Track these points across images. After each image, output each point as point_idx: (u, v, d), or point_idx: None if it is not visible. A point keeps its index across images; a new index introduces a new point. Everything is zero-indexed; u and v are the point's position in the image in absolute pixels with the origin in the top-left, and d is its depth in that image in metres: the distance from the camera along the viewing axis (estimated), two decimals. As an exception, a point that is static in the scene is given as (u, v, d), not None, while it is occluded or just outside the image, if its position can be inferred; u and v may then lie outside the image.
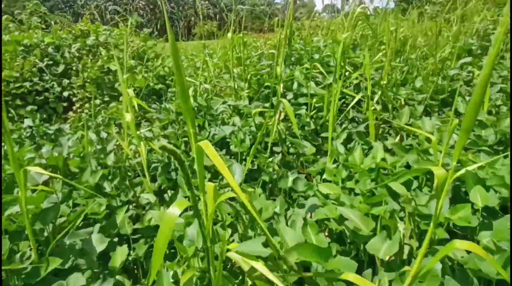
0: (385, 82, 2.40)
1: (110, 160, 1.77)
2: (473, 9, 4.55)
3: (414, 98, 2.41)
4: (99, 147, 1.91)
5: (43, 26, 3.71)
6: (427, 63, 3.21)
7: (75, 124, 2.90)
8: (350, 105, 2.10)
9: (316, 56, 2.78)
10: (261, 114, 2.31)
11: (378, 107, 2.08)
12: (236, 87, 2.93)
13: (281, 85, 2.28)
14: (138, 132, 1.94)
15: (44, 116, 3.01)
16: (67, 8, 55.51)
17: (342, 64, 2.47)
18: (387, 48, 2.48)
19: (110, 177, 1.59)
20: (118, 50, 3.16)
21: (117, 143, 1.90)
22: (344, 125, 2.16)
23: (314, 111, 2.30)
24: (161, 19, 53.59)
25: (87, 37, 3.30)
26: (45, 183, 1.46)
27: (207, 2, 62.78)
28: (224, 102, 2.63)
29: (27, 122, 2.41)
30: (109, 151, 1.83)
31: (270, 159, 1.74)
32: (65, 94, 3.10)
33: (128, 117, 1.63)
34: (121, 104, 3.04)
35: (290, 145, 1.88)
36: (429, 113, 2.50)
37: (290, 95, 2.48)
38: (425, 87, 2.59)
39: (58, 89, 3.09)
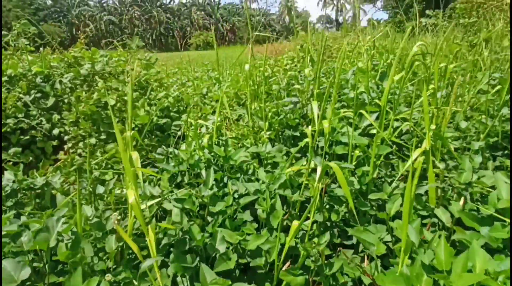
0: (434, 127, 2.04)
1: (110, 244, 1.36)
2: (499, 32, 4.25)
3: (470, 146, 2.05)
4: (96, 220, 1.51)
5: (32, 49, 3.31)
6: (464, 97, 2.87)
7: (67, 169, 2.49)
8: (408, 164, 1.71)
9: (350, 94, 2.41)
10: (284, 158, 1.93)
11: (441, 165, 1.70)
12: (253, 126, 2.55)
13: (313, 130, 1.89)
14: (141, 190, 1.54)
15: (31, 158, 2.59)
16: (61, 18, 55.24)
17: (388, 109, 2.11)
18: (436, 86, 2.12)
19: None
20: (116, 81, 2.78)
21: (118, 217, 1.50)
22: (393, 184, 1.77)
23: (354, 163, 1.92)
24: (157, 30, 53.54)
25: (81, 65, 2.91)
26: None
27: (203, 12, 63.03)
28: (243, 147, 2.24)
29: (8, 175, 1.99)
30: (109, 231, 1.42)
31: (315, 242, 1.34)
32: (55, 131, 2.69)
33: (132, 197, 1.23)
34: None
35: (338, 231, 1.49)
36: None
37: (322, 143, 2.11)
38: (469, 128, 2.24)
39: (47, 126, 2.68)
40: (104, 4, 56.00)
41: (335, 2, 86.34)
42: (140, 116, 2.67)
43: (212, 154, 2.07)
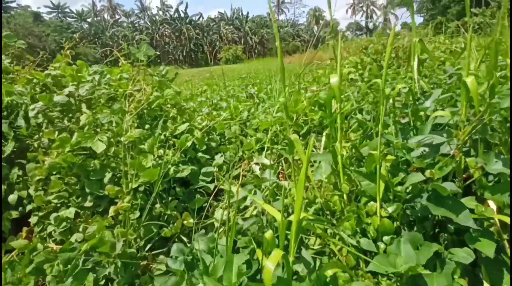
0: None
1: None
2: None
3: None
4: None
5: (15, 69, 2.33)
6: None
7: (24, 271, 1.45)
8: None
9: None
10: None
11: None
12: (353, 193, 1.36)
13: None
14: None
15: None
16: (96, 39, 57.75)
17: None
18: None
19: None
20: (109, 112, 1.71)
21: None
22: None
23: None
24: (187, 46, 54.35)
25: (61, 87, 1.88)
26: None
27: (231, 26, 63.46)
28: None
29: None
30: None
31: None
32: (13, 197, 1.64)
33: None
34: (109, 219, 1.54)
35: None
36: None
37: None
38: None
39: (2, 187, 1.64)
40: (136, 25, 57.92)
41: (364, 8, 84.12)
42: (146, 171, 1.56)
43: None
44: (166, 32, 53.49)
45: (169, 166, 1.76)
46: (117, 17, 66.10)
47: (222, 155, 2.15)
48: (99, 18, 64.77)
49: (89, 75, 2.02)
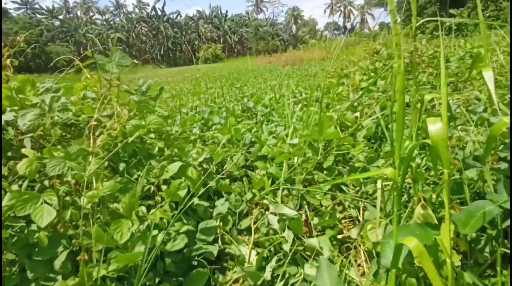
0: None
1: None
2: None
3: None
4: None
5: None
6: None
7: None
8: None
9: None
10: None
11: None
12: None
13: None
14: None
15: None
16: (69, 38, 55.07)
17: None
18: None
19: None
20: (62, 155, 1.14)
21: None
22: None
23: None
24: (165, 45, 52.77)
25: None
26: None
27: (210, 25, 62.24)
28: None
29: None
30: None
31: None
32: None
33: None
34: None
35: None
36: None
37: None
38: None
39: None
40: (111, 22, 55.68)
41: (342, 8, 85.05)
42: (122, 256, 1.01)
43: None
44: (143, 31, 51.73)
45: (156, 232, 1.21)
46: (91, 14, 63.40)
47: (225, 200, 1.60)
48: (71, 15, 61.90)
49: (37, 95, 1.41)
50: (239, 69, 21.19)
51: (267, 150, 1.83)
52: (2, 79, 1.48)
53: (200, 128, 2.61)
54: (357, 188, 1.64)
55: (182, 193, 1.31)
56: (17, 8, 57.96)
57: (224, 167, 2.01)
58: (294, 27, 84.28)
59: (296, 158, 1.73)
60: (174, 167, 1.40)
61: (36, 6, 58.43)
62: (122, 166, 1.44)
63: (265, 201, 1.63)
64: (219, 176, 1.67)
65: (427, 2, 32.51)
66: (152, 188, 1.34)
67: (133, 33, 49.93)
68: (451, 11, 27.34)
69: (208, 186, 1.55)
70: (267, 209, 1.61)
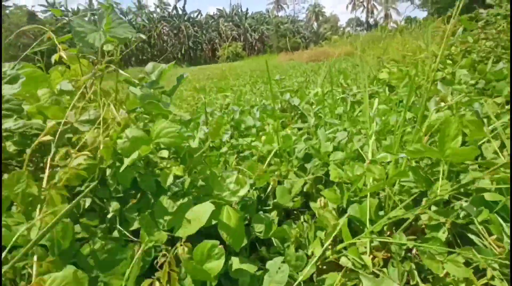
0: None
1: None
2: None
3: None
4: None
5: None
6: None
7: None
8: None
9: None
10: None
11: None
12: None
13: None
14: None
15: None
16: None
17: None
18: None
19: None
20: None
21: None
22: None
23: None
24: (185, 44, 52.71)
25: None
26: None
27: (230, 23, 61.71)
28: None
29: None
30: None
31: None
32: None
33: None
34: None
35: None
36: None
37: None
38: None
39: None
40: (133, 22, 56.28)
41: (364, 4, 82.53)
42: None
43: None
44: (164, 30, 51.96)
45: None
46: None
47: (282, 259, 0.98)
48: (96, 17, 63.00)
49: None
50: (260, 66, 20.49)
51: (338, 174, 1.18)
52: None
53: (231, 134, 2.00)
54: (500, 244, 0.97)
55: (215, 266, 0.70)
56: (44, 11, 59.75)
57: (267, 191, 1.39)
58: (315, 24, 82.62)
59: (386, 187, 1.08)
60: (202, 212, 0.79)
61: (62, 8, 60.01)
62: (113, 207, 0.85)
63: (343, 260, 1.00)
64: (269, 216, 1.05)
65: (458, -7, 30.55)
66: (161, 259, 0.73)
67: (155, 33, 50.28)
68: (488, 0, 25.52)
69: (252, 236, 0.93)
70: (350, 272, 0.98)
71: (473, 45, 2.45)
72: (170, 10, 53.55)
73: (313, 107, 2.37)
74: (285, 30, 57.81)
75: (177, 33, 52.20)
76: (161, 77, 1.07)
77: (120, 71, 0.95)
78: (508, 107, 1.79)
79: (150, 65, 1.11)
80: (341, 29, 79.43)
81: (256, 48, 61.67)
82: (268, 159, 1.30)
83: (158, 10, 54.00)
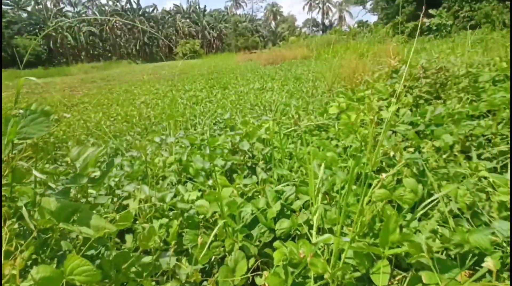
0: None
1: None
2: None
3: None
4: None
5: None
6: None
7: None
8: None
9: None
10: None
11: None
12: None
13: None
14: None
15: None
16: (37, 31, 51.75)
17: None
18: None
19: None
20: None
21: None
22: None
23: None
24: (140, 39, 50.57)
25: None
26: None
27: (188, 20, 60.31)
28: None
29: None
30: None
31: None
32: None
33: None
34: None
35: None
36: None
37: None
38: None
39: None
40: (83, 15, 52.77)
41: (320, 5, 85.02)
42: None
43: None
44: (117, 24, 49.37)
45: None
46: (62, 6, 59.90)
47: None
48: (40, 6, 58.26)
49: None
50: (219, 67, 20.14)
51: (282, 255, 1.15)
52: None
53: (177, 180, 1.90)
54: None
55: None
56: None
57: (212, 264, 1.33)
58: (273, 23, 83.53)
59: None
60: None
61: None
62: None
63: None
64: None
65: (405, 1, 32.53)
66: None
67: (107, 27, 47.60)
68: (430, 11, 27.40)
69: None
70: None
71: (415, 82, 2.57)
72: (123, 4, 51.01)
73: (265, 146, 2.34)
74: (244, 29, 57.77)
75: (132, 27, 49.91)
76: (89, 165, 0.95)
77: (35, 172, 0.81)
78: (447, 155, 1.89)
79: (75, 151, 0.97)
80: (298, 29, 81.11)
81: (214, 46, 60.96)
82: (213, 233, 1.23)
83: (110, 3, 51.16)
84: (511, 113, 2.12)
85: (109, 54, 47.69)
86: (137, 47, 49.68)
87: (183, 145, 2.49)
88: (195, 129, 4.03)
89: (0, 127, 0.77)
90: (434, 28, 25.79)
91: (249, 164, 2.08)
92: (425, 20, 27.94)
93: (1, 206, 0.98)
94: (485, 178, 1.62)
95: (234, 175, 2.01)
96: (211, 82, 11.55)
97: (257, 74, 12.69)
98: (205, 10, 63.18)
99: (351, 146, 1.98)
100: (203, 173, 2.02)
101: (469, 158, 1.91)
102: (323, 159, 1.92)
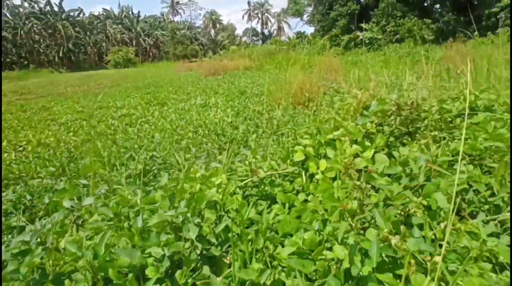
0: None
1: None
2: None
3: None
4: None
5: None
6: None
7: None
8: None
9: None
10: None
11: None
12: None
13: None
14: None
15: None
16: None
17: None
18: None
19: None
20: None
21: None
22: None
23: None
24: (64, 46, 45.83)
25: None
26: None
27: (120, 26, 56.51)
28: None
29: None
30: None
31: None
32: None
33: None
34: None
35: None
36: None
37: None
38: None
39: None
40: (-7, 17, 46.19)
41: (259, 15, 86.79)
42: None
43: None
44: (35, 28, 44.19)
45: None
46: (-36, 5, 51.76)
47: None
48: None
49: None
50: (156, 78, 18.65)
51: None
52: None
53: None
54: None
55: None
56: None
57: None
58: (212, 31, 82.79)
59: None
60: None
61: None
62: None
63: None
64: None
65: (338, 15, 34.46)
66: None
67: (22, 31, 42.34)
68: (363, 25, 29.28)
69: None
70: None
71: (386, 118, 2.24)
72: (42, 6, 45.93)
73: (218, 209, 1.78)
74: (182, 37, 56.04)
75: (53, 32, 45.10)
76: None
77: None
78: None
79: None
80: (238, 38, 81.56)
81: (151, 54, 58.04)
82: None
83: (25, 4, 45.69)
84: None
85: (25, 62, 42.42)
86: (60, 54, 44.97)
87: (104, 217, 1.80)
88: (126, 168, 3.27)
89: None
90: (367, 41, 27.56)
91: (198, 251, 1.49)
92: (358, 33, 29.66)
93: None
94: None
95: (177, 273, 1.41)
96: (148, 97, 10.50)
97: (199, 87, 11.96)
98: (139, 16, 60.11)
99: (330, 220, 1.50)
100: (130, 274, 1.39)
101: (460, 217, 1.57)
102: (296, 243, 1.43)
